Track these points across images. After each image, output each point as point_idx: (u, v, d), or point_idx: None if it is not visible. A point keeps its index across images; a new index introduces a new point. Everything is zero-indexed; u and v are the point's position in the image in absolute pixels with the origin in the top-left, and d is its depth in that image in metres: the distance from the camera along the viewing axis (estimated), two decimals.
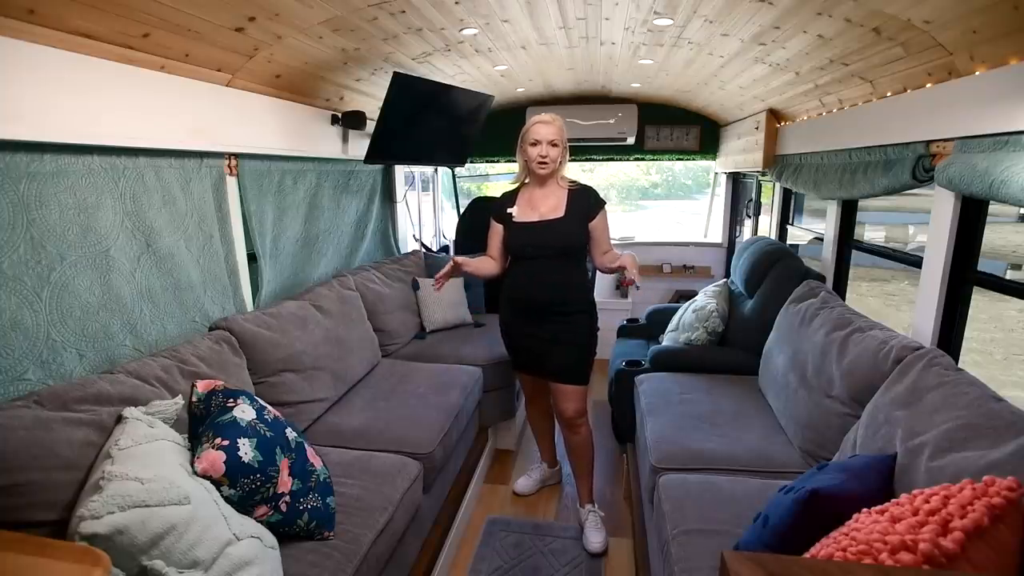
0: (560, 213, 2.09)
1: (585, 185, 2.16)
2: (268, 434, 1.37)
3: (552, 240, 2.08)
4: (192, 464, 1.23)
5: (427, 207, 4.38)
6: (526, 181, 2.19)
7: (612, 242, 2.20)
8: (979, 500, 0.87)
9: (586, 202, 2.11)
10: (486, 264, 2.24)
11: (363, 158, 2.65)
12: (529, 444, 3.08)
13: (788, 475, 1.58)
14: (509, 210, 2.16)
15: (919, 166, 1.73)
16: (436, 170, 4.36)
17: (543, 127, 2.04)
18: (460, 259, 2.14)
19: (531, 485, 2.60)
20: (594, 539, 2.20)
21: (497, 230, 2.21)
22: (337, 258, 2.89)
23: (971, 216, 1.63)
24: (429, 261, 3.38)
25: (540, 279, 2.11)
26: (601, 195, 2.17)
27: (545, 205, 2.12)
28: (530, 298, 2.14)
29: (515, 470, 2.82)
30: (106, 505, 1.01)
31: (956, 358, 1.61)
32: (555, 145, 2.04)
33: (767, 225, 3.57)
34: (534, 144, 2.05)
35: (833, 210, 2.54)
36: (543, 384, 2.28)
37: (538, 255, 2.11)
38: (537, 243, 2.10)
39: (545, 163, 2.05)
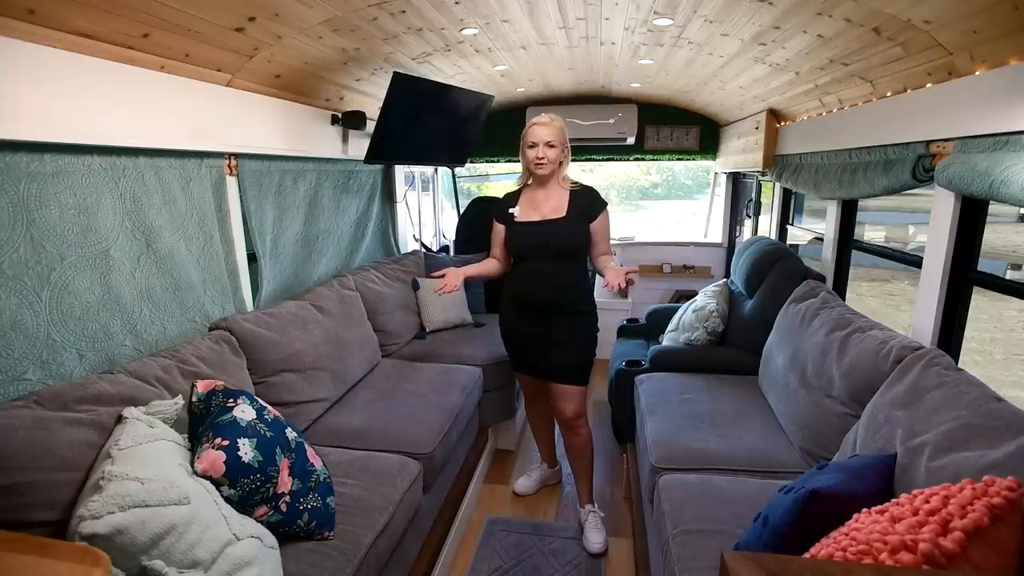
0: (562, 214, 2.09)
1: (587, 186, 2.16)
2: (268, 434, 1.37)
3: (553, 240, 2.08)
4: (192, 464, 1.23)
5: (427, 207, 4.38)
6: (529, 182, 2.19)
7: (612, 242, 2.20)
8: (979, 500, 0.87)
9: (588, 203, 2.11)
10: (490, 266, 2.26)
11: (363, 158, 2.65)
12: (529, 444, 3.08)
13: (788, 475, 1.59)
14: (511, 210, 2.17)
15: (919, 166, 1.73)
16: (436, 170, 4.36)
17: (540, 128, 2.05)
18: (460, 270, 2.11)
19: (531, 485, 2.60)
20: (594, 539, 2.20)
21: (499, 230, 2.23)
22: (337, 258, 2.89)
23: (971, 216, 1.63)
24: (429, 261, 3.38)
25: (541, 279, 2.12)
26: (602, 196, 2.17)
27: (547, 206, 2.12)
28: (531, 298, 2.14)
29: (515, 470, 2.82)
30: (106, 505, 1.02)
31: (956, 358, 1.61)
32: (552, 146, 2.05)
33: (767, 225, 3.57)
34: (532, 146, 2.06)
35: (833, 210, 2.54)
36: (543, 384, 2.28)
37: (539, 255, 2.11)
38: (538, 243, 2.10)
39: (542, 164, 2.06)
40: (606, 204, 2.15)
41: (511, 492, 2.61)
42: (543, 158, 2.05)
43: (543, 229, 2.10)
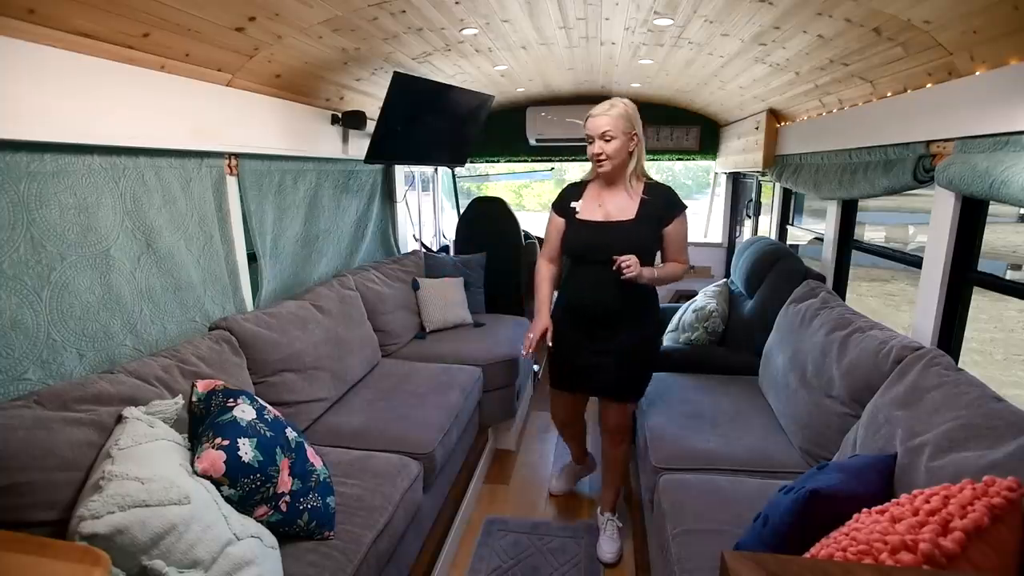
0: (630, 215, 1.86)
1: (663, 184, 1.91)
2: (268, 434, 1.37)
3: (617, 244, 1.80)
4: (192, 464, 1.23)
5: (427, 207, 4.39)
6: (596, 175, 1.94)
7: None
8: (979, 500, 0.87)
9: (662, 204, 1.86)
10: (549, 282, 2.03)
11: (363, 158, 2.65)
12: (529, 444, 3.08)
13: (788, 475, 1.58)
14: (573, 204, 1.93)
15: (919, 166, 1.73)
16: (436, 170, 4.36)
17: (593, 120, 1.81)
18: (545, 318, 1.96)
19: (564, 484, 2.49)
20: (608, 549, 2.13)
21: (557, 224, 1.98)
22: (337, 258, 2.89)
23: (971, 216, 1.63)
24: (429, 261, 3.38)
25: (602, 286, 1.85)
26: (680, 197, 1.91)
27: (613, 204, 1.88)
28: (590, 307, 1.91)
29: (515, 470, 2.82)
30: (106, 505, 1.02)
31: (956, 358, 1.61)
32: (609, 139, 1.79)
33: (767, 225, 3.57)
34: (590, 141, 1.83)
35: (833, 210, 2.54)
36: (582, 406, 2.09)
37: (600, 259, 1.83)
38: (599, 245, 1.84)
39: (602, 161, 1.82)
40: (685, 207, 1.88)
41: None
42: (601, 153, 1.81)
43: (606, 230, 1.85)
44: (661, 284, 1.95)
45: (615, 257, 1.73)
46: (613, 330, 1.91)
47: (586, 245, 1.89)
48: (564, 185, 2.06)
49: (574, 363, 1.99)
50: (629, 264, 1.72)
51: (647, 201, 1.86)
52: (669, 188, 1.90)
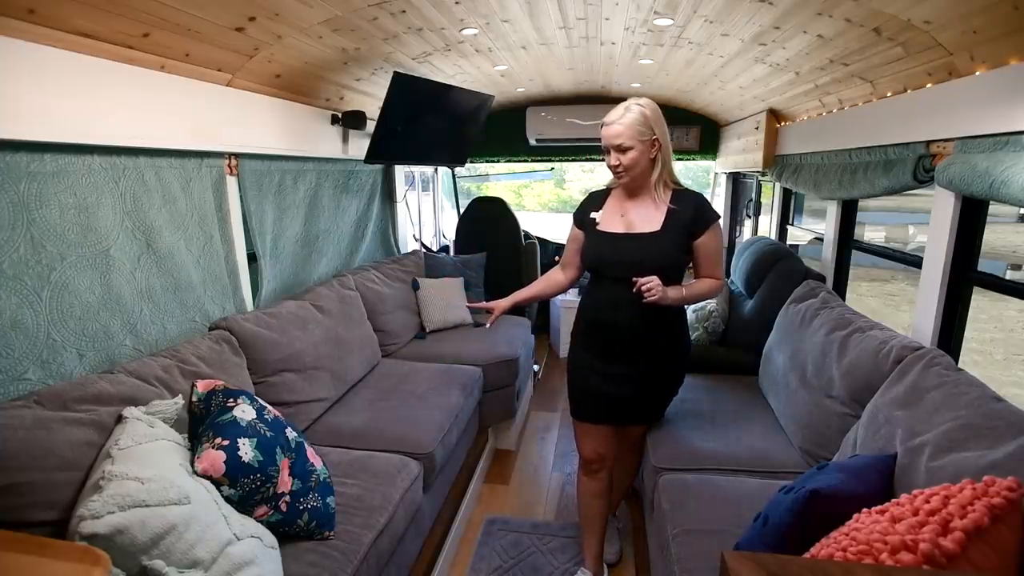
0: (655, 226, 1.68)
1: (693, 192, 1.73)
2: (268, 434, 1.37)
3: (638, 258, 1.65)
4: (192, 464, 1.23)
5: (427, 207, 4.39)
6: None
7: None
8: (979, 500, 0.87)
9: (691, 215, 1.67)
10: (547, 283, 1.96)
11: (363, 158, 2.65)
12: (529, 444, 3.08)
13: (788, 475, 1.59)
14: (593, 214, 1.78)
15: (919, 166, 1.73)
16: (436, 170, 4.37)
17: (606, 130, 1.65)
18: (507, 300, 1.91)
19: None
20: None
21: (575, 237, 1.85)
22: (337, 258, 2.89)
23: (971, 216, 1.63)
24: (429, 261, 3.38)
25: (622, 305, 1.68)
26: (712, 207, 1.73)
27: (636, 214, 1.71)
28: (608, 327, 1.74)
29: (515, 470, 2.82)
30: (106, 505, 1.02)
31: (956, 358, 1.61)
32: (625, 149, 1.63)
33: (767, 225, 3.57)
34: (606, 151, 1.68)
35: (833, 210, 2.53)
36: (614, 442, 1.89)
37: (619, 275, 1.67)
38: (618, 259, 1.69)
39: (620, 174, 1.68)
40: (718, 217, 1.71)
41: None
42: (618, 165, 1.65)
43: (626, 243, 1.69)
44: (690, 304, 1.79)
45: (635, 279, 1.58)
46: (631, 354, 1.74)
47: (603, 259, 1.73)
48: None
49: (587, 388, 1.83)
50: (650, 287, 1.56)
51: (675, 211, 1.67)
52: (700, 196, 1.73)
